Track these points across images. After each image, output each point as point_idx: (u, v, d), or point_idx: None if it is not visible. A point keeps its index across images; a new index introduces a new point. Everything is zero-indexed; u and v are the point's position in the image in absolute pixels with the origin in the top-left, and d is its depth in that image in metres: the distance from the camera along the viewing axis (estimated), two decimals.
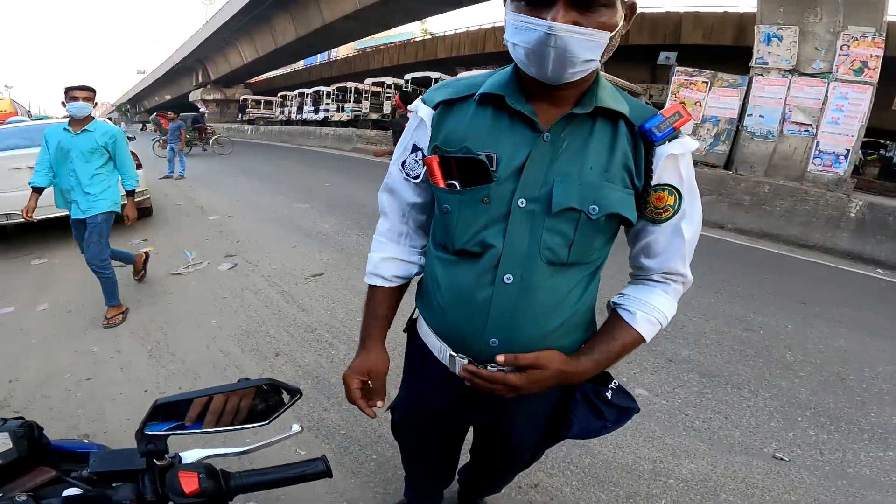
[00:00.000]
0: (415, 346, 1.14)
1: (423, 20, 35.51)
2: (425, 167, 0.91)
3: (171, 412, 0.66)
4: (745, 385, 2.64)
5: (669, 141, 0.83)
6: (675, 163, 0.85)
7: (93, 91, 3.24)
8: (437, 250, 0.96)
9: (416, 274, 1.08)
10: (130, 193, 3.44)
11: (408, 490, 1.65)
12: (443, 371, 1.01)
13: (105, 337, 3.15)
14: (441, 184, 0.87)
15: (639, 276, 0.98)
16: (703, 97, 8.40)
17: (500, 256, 0.85)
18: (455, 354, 0.95)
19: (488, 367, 0.90)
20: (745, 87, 8.10)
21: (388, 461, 2.03)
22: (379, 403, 1.06)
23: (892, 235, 5.82)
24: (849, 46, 7.24)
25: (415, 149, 0.94)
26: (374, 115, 21.19)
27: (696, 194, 0.89)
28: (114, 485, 0.66)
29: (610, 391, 1.05)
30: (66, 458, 0.73)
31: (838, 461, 2.10)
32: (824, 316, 3.64)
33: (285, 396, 0.72)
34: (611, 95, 0.83)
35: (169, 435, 0.66)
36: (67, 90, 3.17)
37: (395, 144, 6.61)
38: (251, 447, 0.75)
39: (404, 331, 1.19)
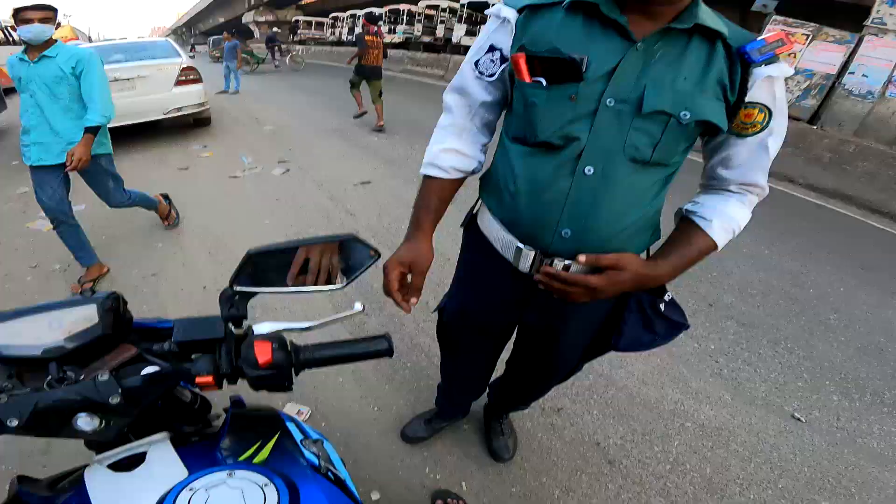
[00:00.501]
0: (473, 242, 1.16)
1: None
2: (503, 66, 0.92)
3: (254, 273, 0.68)
4: (781, 341, 2.61)
5: (767, 65, 0.81)
6: (770, 84, 0.83)
7: (52, 10, 2.48)
8: (512, 143, 0.96)
9: (474, 171, 1.06)
10: (89, 131, 2.52)
11: (439, 397, 1.76)
12: (503, 268, 1.04)
13: (169, 235, 3.40)
14: (527, 79, 0.86)
15: (713, 185, 0.98)
16: (799, 49, 7.72)
17: (583, 149, 0.86)
18: (522, 246, 0.98)
19: (554, 263, 0.93)
20: (852, 45, 7.36)
21: (422, 370, 2.17)
22: (413, 300, 0.99)
23: None
24: None
25: (492, 49, 0.93)
26: (426, 38, 20.40)
27: (785, 115, 0.87)
28: (192, 356, 0.67)
29: (663, 303, 1.07)
30: (147, 336, 0.71)
31: (852, 430, 2.08)
32: (881, 284, 3.45)
33: (364, 257, 0.73)
34: (710, 16, 0.81)
35: (254, 293, 0.68)
36: (17, 11, 2.40)
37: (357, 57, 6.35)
38: (318, 322, 0.74)
39: (461, 226, 1.20)
